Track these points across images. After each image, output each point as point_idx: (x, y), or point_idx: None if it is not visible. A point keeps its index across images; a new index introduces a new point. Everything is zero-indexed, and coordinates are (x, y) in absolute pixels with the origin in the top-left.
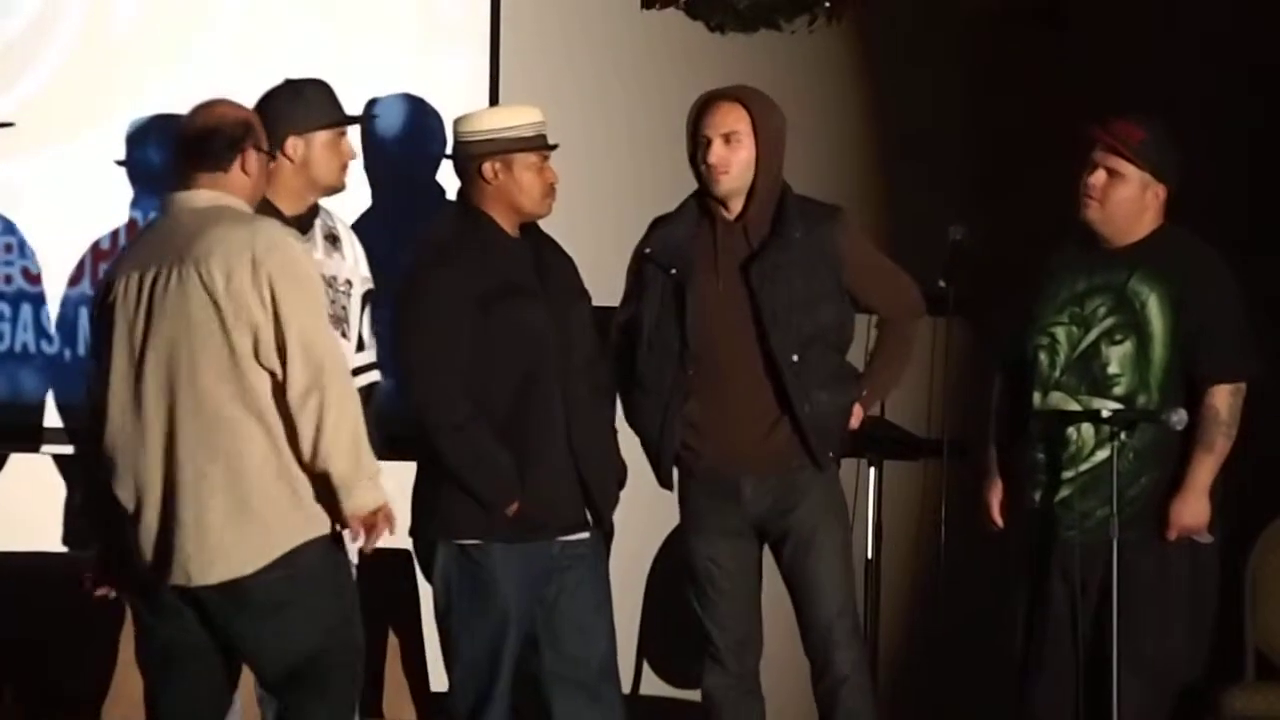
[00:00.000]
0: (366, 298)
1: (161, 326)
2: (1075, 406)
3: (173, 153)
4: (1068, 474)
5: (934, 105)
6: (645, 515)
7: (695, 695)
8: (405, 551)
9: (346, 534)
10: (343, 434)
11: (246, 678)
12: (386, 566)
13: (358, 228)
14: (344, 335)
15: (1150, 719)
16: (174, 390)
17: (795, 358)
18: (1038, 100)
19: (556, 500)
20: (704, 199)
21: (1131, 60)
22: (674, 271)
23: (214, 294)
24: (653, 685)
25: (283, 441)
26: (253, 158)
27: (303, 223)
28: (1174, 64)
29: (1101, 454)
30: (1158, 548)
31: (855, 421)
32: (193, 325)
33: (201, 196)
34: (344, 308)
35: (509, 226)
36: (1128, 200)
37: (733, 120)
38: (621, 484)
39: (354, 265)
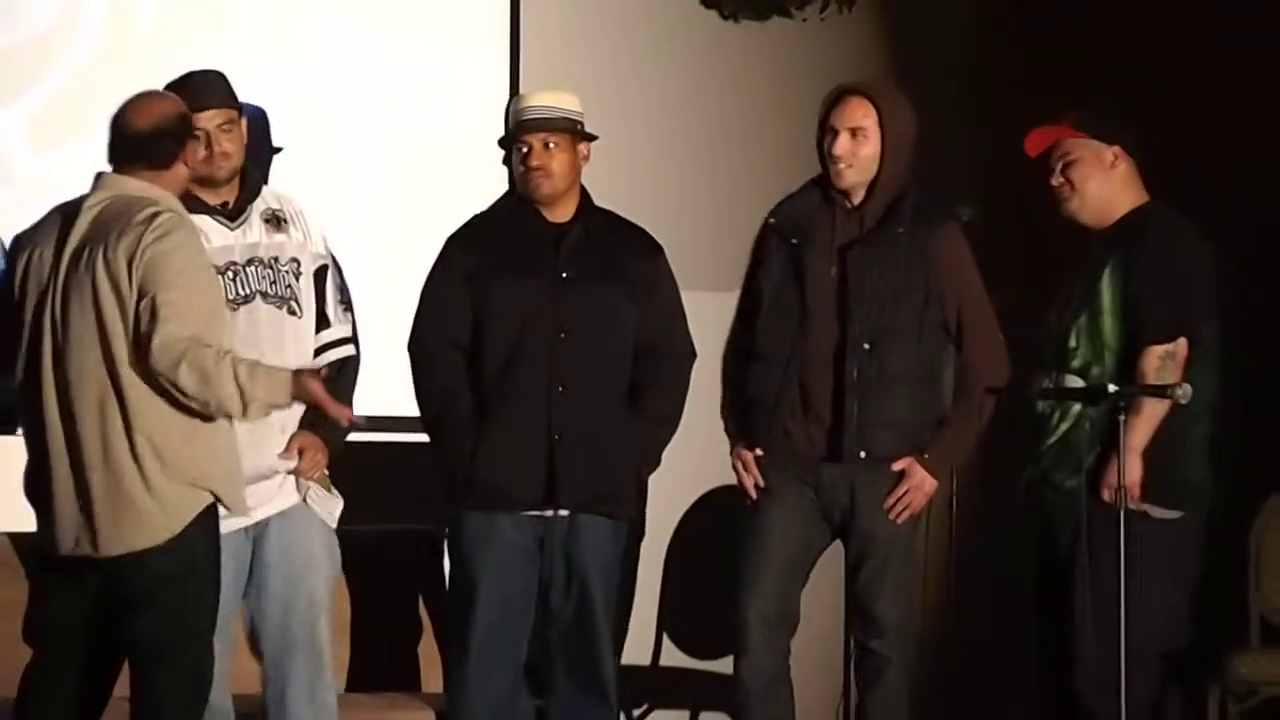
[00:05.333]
0: (320, 274)
1: (73, 304)
2: (1048, 383)
3: (112, 145)
4: (1044, 447)
5: (943, 89)
6: (667, 493)
7: (712, 666)
8: (431, 531)
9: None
10: (224, 379)
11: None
12: (414, 545)
13: (374, 218)
14: (291, 311)
15: (1114, 677)
16: (83, 366)
17: (866, 346)
18: (1045, 84)
19: (514, 475)
20: (827, 186)
21: (1134, 46)
22: (795, 242)
23: (115, 276)
24: (672, 656)
25: (161, 417)
26: (190, 149)
27: (238, 206)
28: (1176, 49)
29: (1064, 425)
30: (1118, 514)
31: (917, 484)
32: (99, 306)
33: (133, 184)
34: (289, 285)
35: (545, 208)
36: (1092, 176)
37: (860, 115)
38: (638, 472)
39: (302, 243)
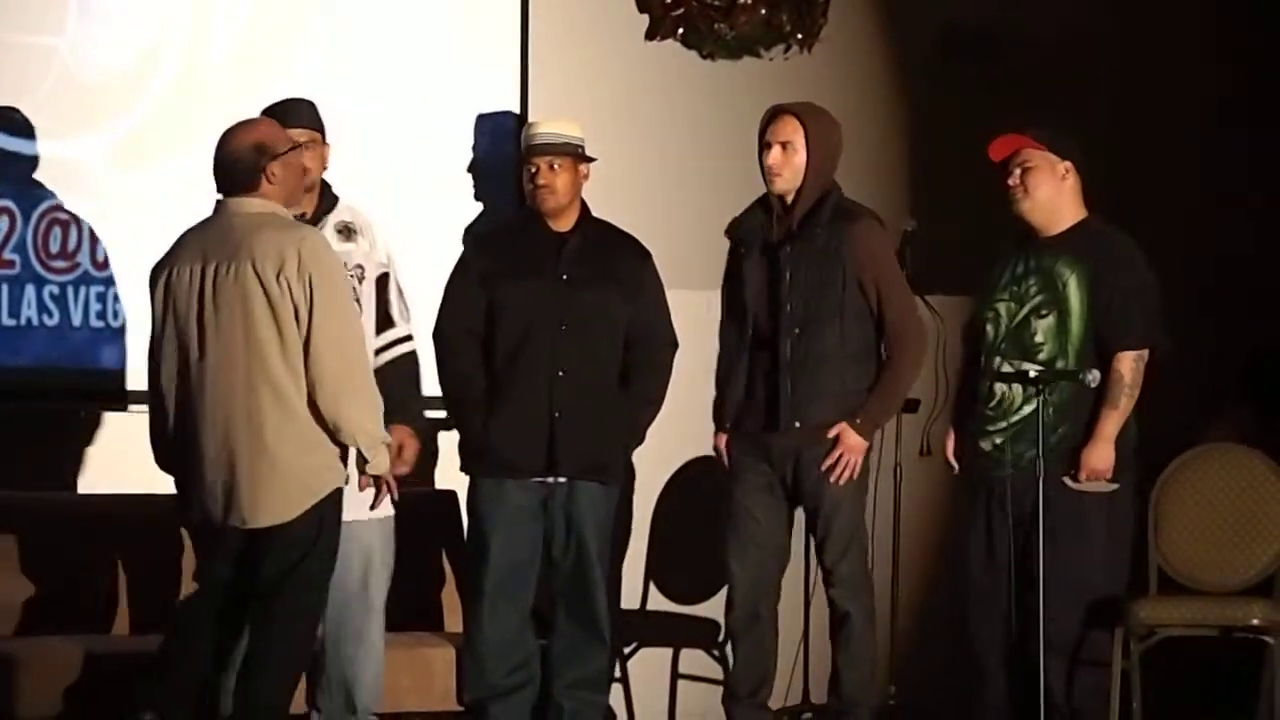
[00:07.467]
0: (382, 280)
1: (223, 311)
2: (1009, 369)
3: (213, 173)
4: (1002, 424)
5: (884, 118)
6: (653, 457)
7: (692, 610)
8: (452, 493)
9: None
10: (368, 414)
11: None
12: (437, 505)
13: (401, 229)
14: None
15: (1064, 627)
16: (233, 365)
17: (797, 330)
18: (971, 115)
19: (520, 447)
20: (767, 195)
21: (1058, 80)
22: (741, 251)
23: (265, 284)
24: (657, 602)
25: (302, 409)
26: (274, 168)
27: (314, 217)
28: (1087, 83)
29: (1028, 408)
30: (1074, 485)
31: (849, 446)
32: (249, 310)
33: (252, 204)
34: (352, 288)
35: (551, 219)
36: (1045, 183)
37: (790, 131)
38: (626, 445)
39: (367, 252)
